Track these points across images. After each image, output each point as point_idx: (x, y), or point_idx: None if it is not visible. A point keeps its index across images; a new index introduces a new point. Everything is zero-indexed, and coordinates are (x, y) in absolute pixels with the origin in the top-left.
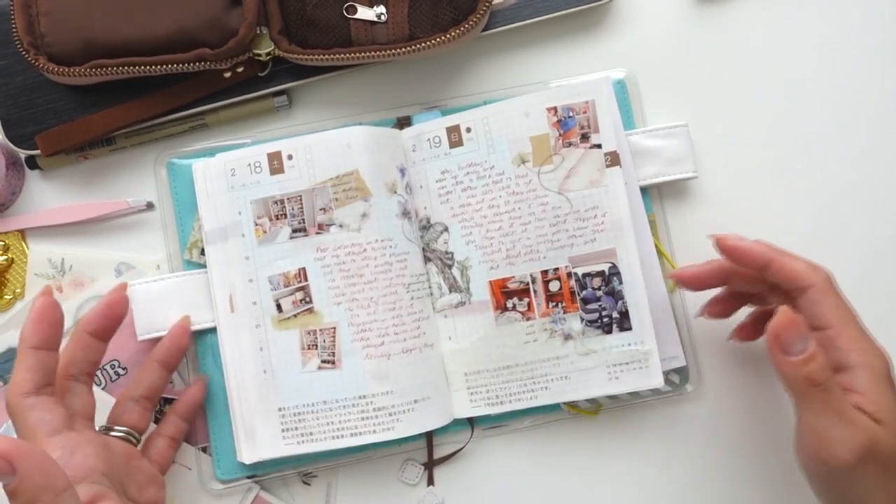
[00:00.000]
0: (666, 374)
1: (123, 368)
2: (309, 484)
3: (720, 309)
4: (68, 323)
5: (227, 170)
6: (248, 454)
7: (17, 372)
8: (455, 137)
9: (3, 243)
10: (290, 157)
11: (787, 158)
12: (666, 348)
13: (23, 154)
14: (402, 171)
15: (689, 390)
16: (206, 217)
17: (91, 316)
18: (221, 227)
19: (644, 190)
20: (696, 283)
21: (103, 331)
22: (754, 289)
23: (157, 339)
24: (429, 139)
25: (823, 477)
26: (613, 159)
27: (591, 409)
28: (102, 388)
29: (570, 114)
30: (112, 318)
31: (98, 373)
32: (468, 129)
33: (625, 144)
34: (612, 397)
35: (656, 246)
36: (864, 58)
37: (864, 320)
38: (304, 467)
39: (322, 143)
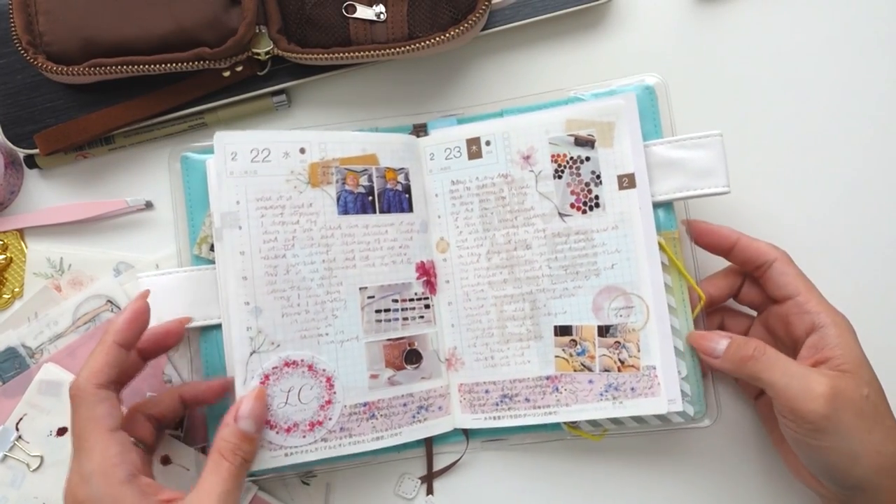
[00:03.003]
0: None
1: None
2: (308, 484)
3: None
4: (67, 322)
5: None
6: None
7: (97, 362)
8: (475, 149)
9: (1, 242)
10: (302, 151)
11: (823, 168)
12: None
13: (21, 153)
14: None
15: (705, 423)
16: (215, 206)
17: (118, 326)
18: (220, 218)
19: (668, 205)
20: (703, 236)
21: (129, 341)
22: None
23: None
24: (448, 149)
25: (807, 442)
26: (630, 181)
27: (594, 434)
28: None
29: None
30: (138, 327)
31: None
32: (487, 143)
33: (642, 161)
34: (617, 422)
35: (677, 266)
36: (870, 56)
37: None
38: (303, 467)
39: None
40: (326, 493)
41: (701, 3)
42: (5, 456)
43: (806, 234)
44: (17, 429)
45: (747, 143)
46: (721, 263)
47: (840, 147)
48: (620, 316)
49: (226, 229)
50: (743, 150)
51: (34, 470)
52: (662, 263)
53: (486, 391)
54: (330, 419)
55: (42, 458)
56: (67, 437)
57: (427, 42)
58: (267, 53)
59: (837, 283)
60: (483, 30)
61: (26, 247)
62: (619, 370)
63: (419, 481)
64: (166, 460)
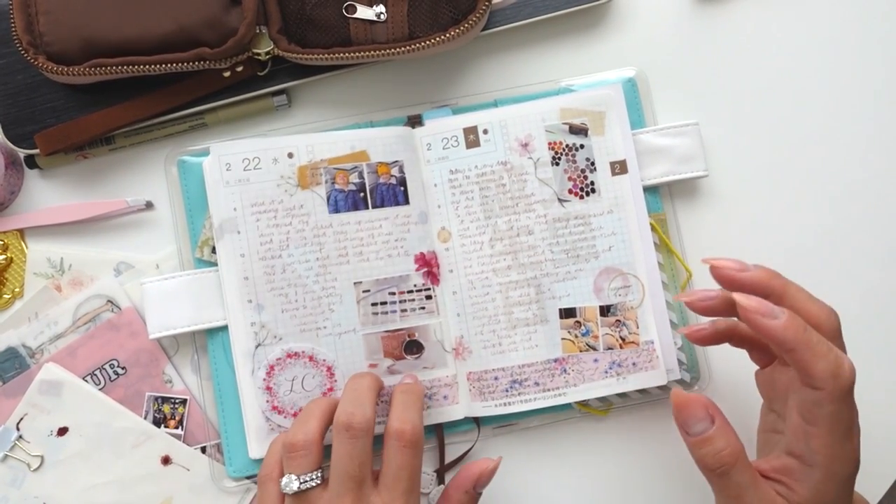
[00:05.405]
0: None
1: (123, 368)
2: None
3: (706, 339)
4: (67, 322)
5: (222, 164)
6: (259, 450)
7: None
8: (472, 138)
9: (2, 242)
10: (290, 156)
11: (796, 155)
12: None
13: (22, 153)
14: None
15: (697, 389)
16: (215, 212)
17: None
18: (220, 224)
19: (655, 189)
20: (705, 341)
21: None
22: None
23: (169, 338)
24: (445, 139)
25: None
26: (622, 168)
27: (601, 409)
28: (100, 389)
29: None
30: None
31: (97, 373)
32: (485, 131)
33: (632, 148)
34: (622, 396)
35: (667, 245)
36: (868, 53)
37: (871, 317)
38: None
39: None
40: None
41: (701, 3)
42: (6, 456)
43: (815, 229)
44: (18, 428)
45: (755, 137)
46: (708, 244)
47: (848, 139)
48: (619, 295)
49: (226, 234)
50: (751, 145)
51: (35, 470)
52: (654, 243)
53: (496, 378)
54: None
55: (43, 457)
56: (68, 436)
57: (427, 42)
58: (267, 54)
59: (826, 276)
60: (483, 30)
61: (26, 247)
62: (620, 347)
63: (435, 475)
64: (166, 460)
